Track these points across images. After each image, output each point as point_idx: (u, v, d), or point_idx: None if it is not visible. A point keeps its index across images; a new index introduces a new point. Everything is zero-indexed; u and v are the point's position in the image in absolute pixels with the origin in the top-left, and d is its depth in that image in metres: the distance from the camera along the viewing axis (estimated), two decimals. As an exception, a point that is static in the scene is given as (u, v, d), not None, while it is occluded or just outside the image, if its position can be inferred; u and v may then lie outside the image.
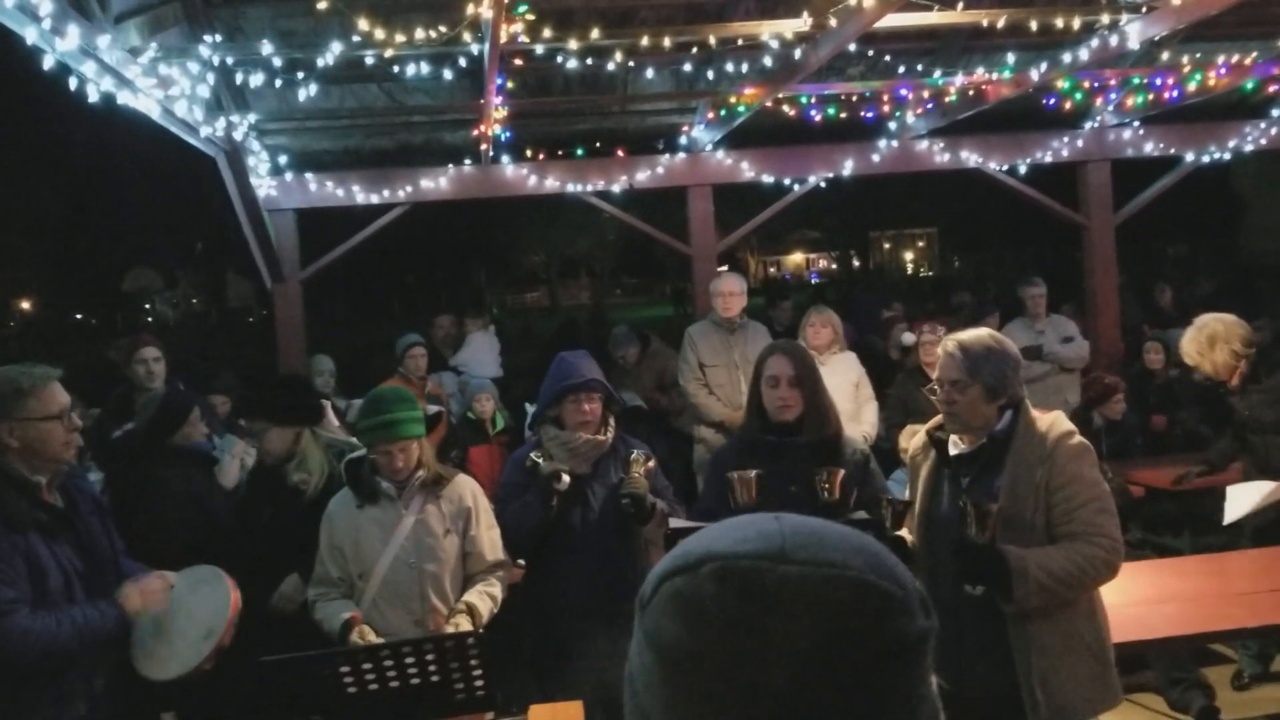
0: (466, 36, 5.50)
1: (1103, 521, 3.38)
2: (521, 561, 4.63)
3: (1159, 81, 8.12)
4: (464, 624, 3.98)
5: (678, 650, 0.91)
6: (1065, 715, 3.39)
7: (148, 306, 62.24)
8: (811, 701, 0.86)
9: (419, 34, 5.41)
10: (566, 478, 4.30)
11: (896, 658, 0.88)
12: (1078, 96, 8.42)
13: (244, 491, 5.08)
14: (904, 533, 3.77)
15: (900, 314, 9.90)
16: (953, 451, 3.64)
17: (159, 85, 5.34)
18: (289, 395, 4.93)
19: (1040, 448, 3.44)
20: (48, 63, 4.38)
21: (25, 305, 54.72)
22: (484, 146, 7.97)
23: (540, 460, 4.36)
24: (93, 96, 4.85)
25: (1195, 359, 5.77)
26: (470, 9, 5.11)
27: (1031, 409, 3.58)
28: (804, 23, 5.96)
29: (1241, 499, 5.41)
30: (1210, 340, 5.69)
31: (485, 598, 4.19)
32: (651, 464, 4.43)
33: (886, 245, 69.04)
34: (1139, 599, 4.61)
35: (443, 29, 5.40)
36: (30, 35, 4.14)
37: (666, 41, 6.09)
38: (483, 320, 9.75)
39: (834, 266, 64.59)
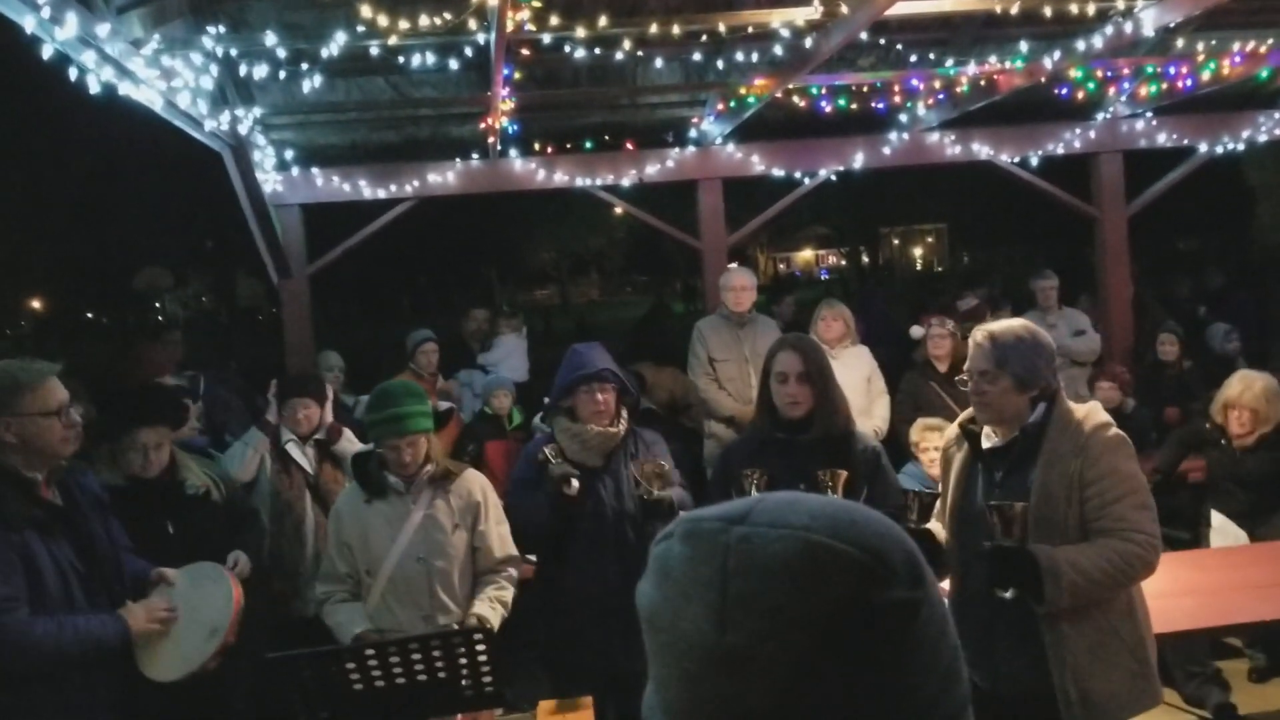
0: (472, 25, 5.45)
1: (1138, 517, 3.28)
2: (532, 558, 4.58)
3: (1173, 71, 8.03)
4: None
5: (649, 609, 0.92)
6: (1101, 715, 3.31)
7: (158, 305, 62.35)
8: (759, 660, 0.84)
9: (424, 21, 5.36)
10: (575, 484, 4.21)
11: (855, 623, 0.85)
12: (1090, 86, 8.34)
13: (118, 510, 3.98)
14: (934, 525, 3.70)
15: (981, 303, 9.52)
16: (986, 444, 3.55)
17: (162, 77, 5.29)
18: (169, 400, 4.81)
19: (1075, 440, 3.35)
20: (47, 52, 4.35)
21: (36, 304, 54.82)
22: (491, 140, 7.91)
23: (552, 457, 4.29)
24: (93, 88, 4.81)
25: (1266, 411, 5.87)
26: (475, -5, 5.07)
27: (1067, 400, 3.50)
28: (815, 10, 5.89)
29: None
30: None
31: (495, 605, 4.16)
32: (660, 467, 4.34)
33: (896, 241, 68.88)
34: (1155, 592, 4.50)
35: (447, 16, 5.35)
36: (29, 24, 4.10)
37: (675, 29, 6.03)
38: (515, 321, 9.63)
39: (844, 263, 64.44)
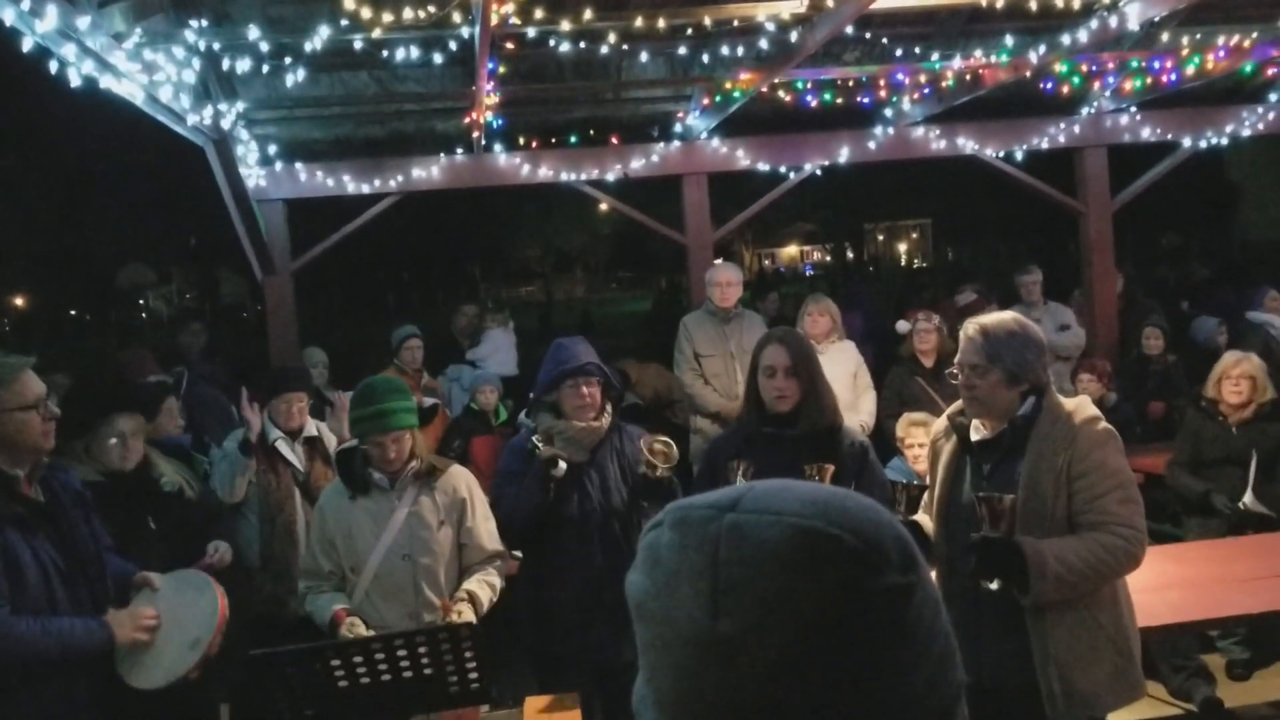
0: (456, 18, 5.43)
1: (1125, 511, 3.29)
2: (518, 553, 4.56)
3: (1157, 65, 8.05)
4: (466, 613, 3.93)
5: (638, 598, 0.91)
6: (1084, 708, 3.32)
7: (141, 302, 62.14)
8: (753, 648, 0.83)
9: (407, 14, 5.34)
10: (564, 465, 4.23)
11: (849, 610, 0.84)
12: (1075, 81, 8.35)
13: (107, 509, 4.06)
14: (922, 518, 3.69)
15: (979, 298, 9.48)
16: (974, 437, 3.55)
17: (143, 71, 5.25)
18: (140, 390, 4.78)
19: (1064, 433, 3.36)
20: (27, 45, 4.31)
21: (19, 302, 54.57)
22: (476, 134, 7.88)
23: (539, 445, 4.30)
24: (74, 81, 4.77)
25: (1262, 380, 6.02)
26: (460, -11, 5.05)
27: (1057, 395, 3.49)
28: (800, 4, 5.89)
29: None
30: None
31: (485, 585, 4.14)
32: (668, 445, 4.33)
33: (880, 237, 69.05)
34: (1141, 586, 4.51)
35: (431, 9, 5.32)
36: (8, 16, 4.06)
37: (661, 23, 6.01)
38: (502, 316, 9.65)
39: (828, 259, 64.56)
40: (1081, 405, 3.47)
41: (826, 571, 0.84)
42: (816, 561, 0.84)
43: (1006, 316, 3.56)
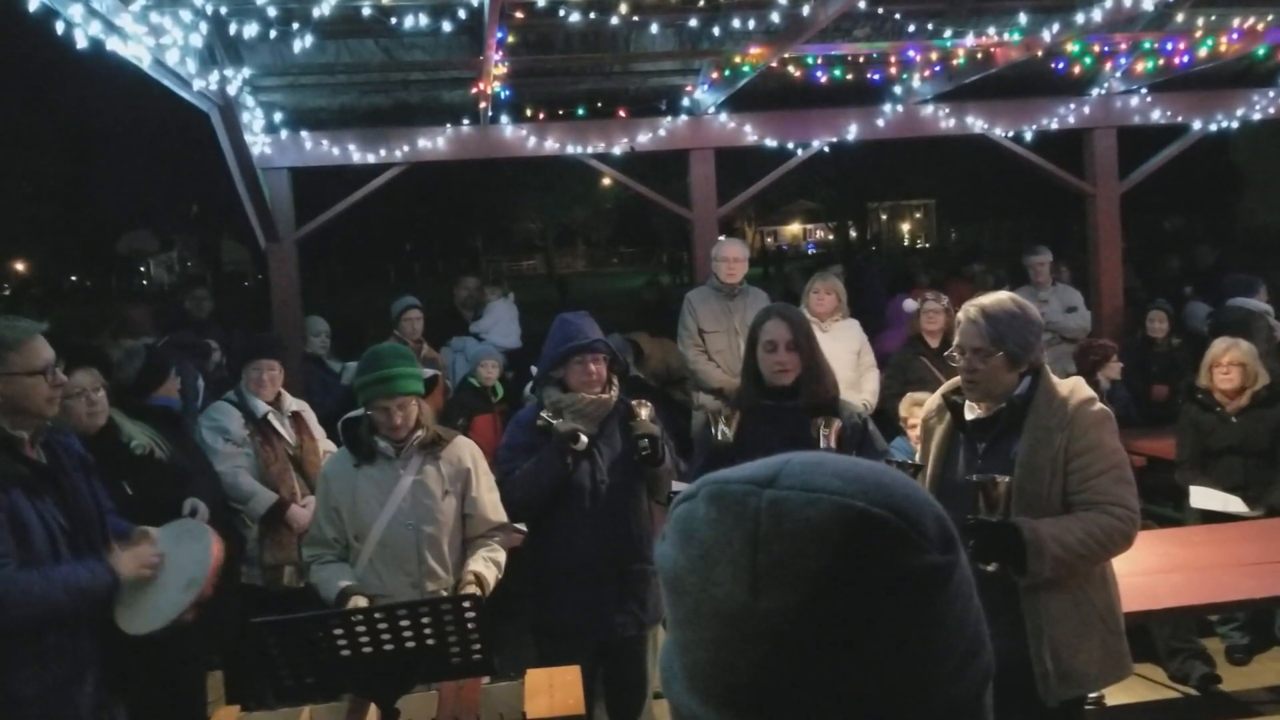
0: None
1: (1120, 491, 3.32)
2: (522, 526, 4.56)
3: (1170, 46, 7.99)
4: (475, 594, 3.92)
5: (672, 572, 0.90)
6: (1075, 685, 3.35)
7: (143, 270, 62.10)
8: (794, 626, 0.82)
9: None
10: (585, 438, 4.26)
11: (891, 589, 0.83)
12: (1087, 61, 8.29)
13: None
14: None
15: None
16: (969, 416, 3.54)
17: (150, 33, 5.20)
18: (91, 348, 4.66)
19: (1060, 414, 3.36)
20: (33, 5, 4.27)
21: (20, 267, 54.52)
22: (483, 105, 7.83)
23: (552, 420, 4.29)
24: (80, 42, 4.73)
25: (1253, 367, 6.01)
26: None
27: (1052, 375, 3.49)
28: (812, -22, 5.83)
29: (1208, 498, 5.82)
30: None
31: (490, 564, 4.14)
32: (647, 411, 4.38)
33: (884, 216, 68.87)
34: (1143, 569, 4.56)
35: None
36: (14, -24, 4.04)
37: (672, -7, 5.97)
38: (502, 288, 9.64)
39: (831, 237, 64.39)
40: (1077, 386, 3.48)
41: (869, 551, 0.83)
42: (859, 540, 0.83)
43: (1004, 297, 3.54)
